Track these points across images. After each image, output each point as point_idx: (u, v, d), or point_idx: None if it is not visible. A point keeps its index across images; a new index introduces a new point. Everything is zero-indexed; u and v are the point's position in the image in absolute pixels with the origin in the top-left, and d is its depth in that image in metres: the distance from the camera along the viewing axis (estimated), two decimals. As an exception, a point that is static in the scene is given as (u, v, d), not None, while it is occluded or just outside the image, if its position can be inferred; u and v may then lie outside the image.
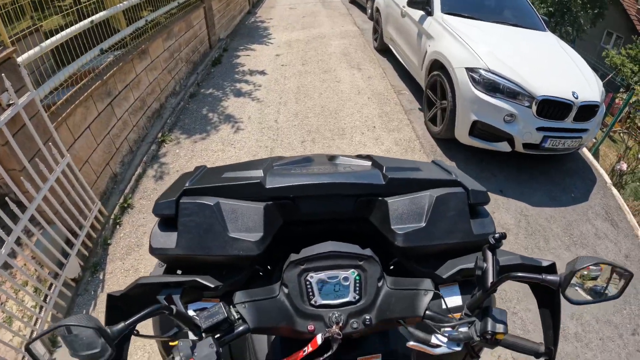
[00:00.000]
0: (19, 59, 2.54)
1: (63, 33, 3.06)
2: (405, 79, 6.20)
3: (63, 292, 2.66)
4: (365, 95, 5.74)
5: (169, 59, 5.46)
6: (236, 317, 0.80)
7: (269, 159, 1.32)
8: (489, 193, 1.11)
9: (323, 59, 7.24)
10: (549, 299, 0.86)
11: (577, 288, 0.80)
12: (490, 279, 0.80)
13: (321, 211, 1.10)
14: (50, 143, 2.67)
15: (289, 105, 5.44)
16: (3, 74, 2.24)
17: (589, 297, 0.80)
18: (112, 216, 3.42)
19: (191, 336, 0.79)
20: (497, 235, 0.81)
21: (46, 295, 2.55)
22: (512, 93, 3.64)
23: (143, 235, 3.35)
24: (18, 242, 2.30)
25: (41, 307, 2.46)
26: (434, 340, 0.81)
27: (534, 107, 3.60)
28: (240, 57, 7.50)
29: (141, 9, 4.78)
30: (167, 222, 1.03)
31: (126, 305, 0.83)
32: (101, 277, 2.94)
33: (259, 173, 1.10)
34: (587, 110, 3.73)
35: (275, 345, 0.98)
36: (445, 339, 0.80)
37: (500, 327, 0.77)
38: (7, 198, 2.20)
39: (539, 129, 3.67)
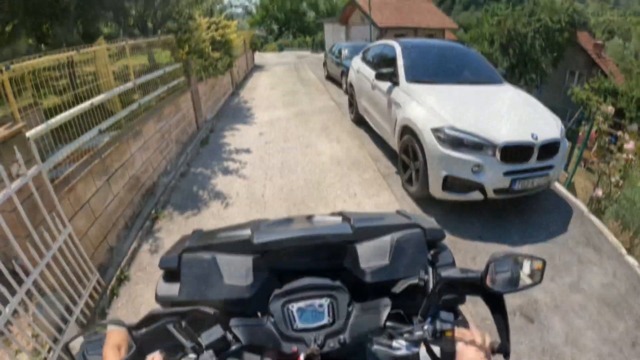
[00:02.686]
0: (28, 134, 2.76)
1: (67, 113, 3.34)
2: (381, 147, 6.61)
3: (62, 357, 2.64)
4: (344, 165, 6.10)
5: (161, 140, 5.79)
6: (231, 338, 0.95)
7: (257, 220, 1.53)
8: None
9: (304, 135, 7.71)
10: (496, 304, 1.03)
11: (501, 279, 0.96)
12: (431, 286, 0.98)
13: (302, 261, 1.27)
14: (53, 213, 2.81)
15: (274, 180, 5.72)
16: (15, 147, 2.45)
17: (511, 287, 0.97)
18: (110, 287, 3.45)
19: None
20: (432, 252, 1.04)
21: (45, 359, 2.53)
22: (476, 145, 3.96)
23: (140, 305, 3.38)
24: (21, 305, 2.34)
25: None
26: (395, 344, 0.96)
27: (498, 154, 3.90)
28: (227, 137, 7.95)
29: (134, 93, 5.18)
30: (170, 275, 1.23)
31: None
32: (98, 345, 2.90)
33: (248, 232, 1.29)
34: (549, 148, 4.06)
35: None
36: (404, 342, 0.96)
37: (447, 326, 0.92)
38: (13, 261, 2.29)
39: (506, 173, 3.94)
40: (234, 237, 1.31)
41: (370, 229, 1.28)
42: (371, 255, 1.20)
